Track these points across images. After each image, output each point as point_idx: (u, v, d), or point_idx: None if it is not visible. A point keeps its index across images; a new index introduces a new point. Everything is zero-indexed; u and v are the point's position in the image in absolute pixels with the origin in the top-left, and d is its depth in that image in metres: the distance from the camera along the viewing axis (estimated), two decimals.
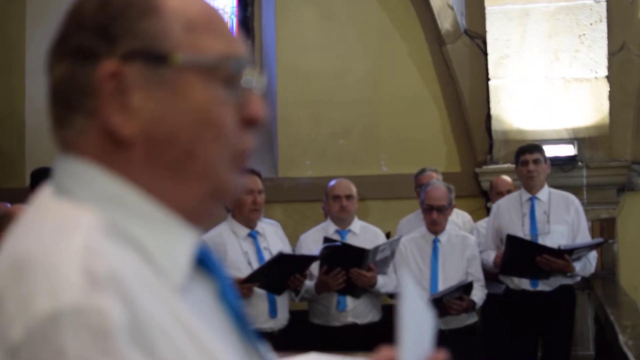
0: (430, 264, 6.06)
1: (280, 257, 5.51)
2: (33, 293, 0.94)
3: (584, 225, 6.43)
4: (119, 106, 1.08)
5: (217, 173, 1.12)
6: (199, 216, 1.14)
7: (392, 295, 6.18)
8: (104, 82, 1.07)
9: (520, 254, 6.13)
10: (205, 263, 1.16)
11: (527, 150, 6.47)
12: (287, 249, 5.99)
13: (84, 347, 0.91)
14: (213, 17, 1.16)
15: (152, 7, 1.11)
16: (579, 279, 6.47)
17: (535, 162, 6.38)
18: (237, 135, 1.13)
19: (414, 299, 1.32)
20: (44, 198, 1.10)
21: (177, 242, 1.10)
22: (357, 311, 6.07)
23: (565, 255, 6.06)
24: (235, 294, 1.18)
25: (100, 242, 1.00)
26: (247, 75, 1.15)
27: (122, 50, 1.08)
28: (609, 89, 7.85)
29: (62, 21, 1.14)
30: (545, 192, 6.44)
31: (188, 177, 1.10)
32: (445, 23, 8.43)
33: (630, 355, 4.43)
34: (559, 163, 7.60)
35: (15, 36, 9.02)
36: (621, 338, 4.83)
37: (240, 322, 1.17)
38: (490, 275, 6.37)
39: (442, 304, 5.79)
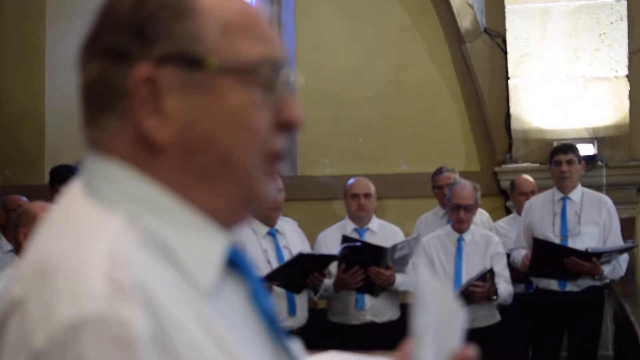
0: (455, 263, 6.04)
1: (300, 257, 5.52)
2: (57, 299, 0.93)
3: (616, 227, 6.38)
4: (153, 110, 1.06)
5: (250, 179, 1.10)
6: (231, 222, 1.12)
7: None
8: (138, 86, 1.06)
9: (548, 256, 6.10)
10: (237, 264, 1.14)
11: (561, 151, 6.44)
12: (306, 247, 5.99)
13: (105, 357, 0.90)
14: (250, 18, 1.13)
15: (187, 8, 1.09)
16: (607, 281, 6.43)
17: (569, 162, 6.35)
18: (270, 139, 1.11)
19: (434, 291, 1.28)
20: (72, 197, 1.09)
21: (208, 245, 1.08)
22: (375, 310, 6.07)
23: (593, 258, 6.04)
24: (266, 295, 1.17)
25: (127, 247, 0.99)
26: (284, 78, 1.13)
27: (157, 53, 1.06)
28: (629, 88, 7.81)
29: (96, 18, 1.11)
30: (578, 193, 6.41)
31: (222, 182, 1.09)
32: (465, 22, 8.40)
33: None
34: None
35: (35, 35, 9.07)
36: None
37: (271, 322, 1.15)
38: (512, 275, 6.34)
39: (465, 294, 5.76)
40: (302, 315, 5.77)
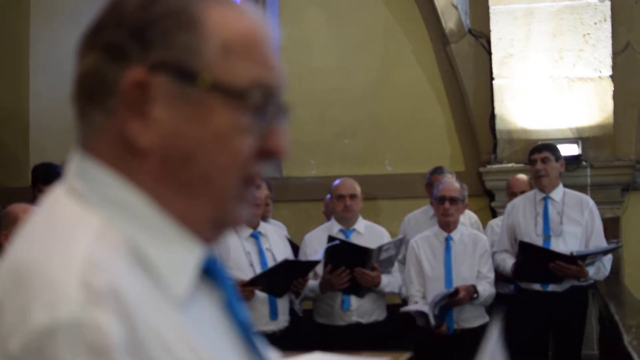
0: (444, 263, 6.05)
1: (285, 263, 5.53)
2: (32, 305, 0.93)
3: (599, 226, 6.38)
4: (139, 115, 1.06)
5: (224, 203, 1.10)
6: (199, 238, 1.11)
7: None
8: (129, 89, 1.05)
9: (533, 260, 6.11)
10: (211, 272, 1.14)
11: (535, 150, 6.47)
12: (288, 250, 5.99)
13: None
14: (253, 40, 1.12)
15: (192, 20, 1.08)
16: (592, 281, 6.44)
17: (543, 160, 6.34)
18: (251, 164, 1.11)
19: (495, 344, 1.33)
20: (54, 200, 1.09)
21: (183, 254, 1.08)
22: (361, 310, 6.07)
23: (579, 261, 6.04)
24: (241, 304, 1.17)
25: (103, 253, 0.99)
26: (275, 106, 1.12)
27: (153, 59, 1.06)
28: (613, 88, 7.84)
29: (102, 10, 1.11)
30: (559, 192, 6.40)
31: (197, 198, 1.08)
32: (449, 22, 8.42)
33: (634, 355, 4.41)
34: None
35: (20, 36, 9.03)
36: (625, 338, 4.82)
37: (246, 331, 1.15)
38: (499, 276, 6.34)
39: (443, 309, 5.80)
40: (283, 319, 5.77)
